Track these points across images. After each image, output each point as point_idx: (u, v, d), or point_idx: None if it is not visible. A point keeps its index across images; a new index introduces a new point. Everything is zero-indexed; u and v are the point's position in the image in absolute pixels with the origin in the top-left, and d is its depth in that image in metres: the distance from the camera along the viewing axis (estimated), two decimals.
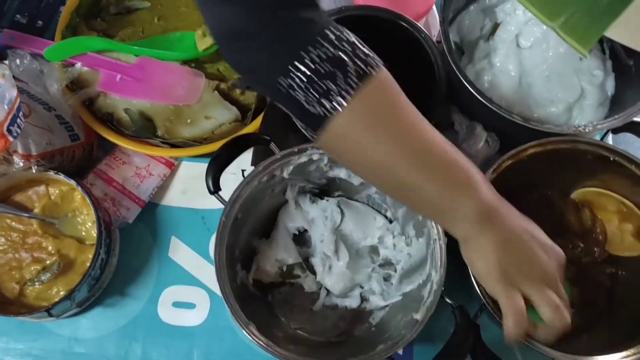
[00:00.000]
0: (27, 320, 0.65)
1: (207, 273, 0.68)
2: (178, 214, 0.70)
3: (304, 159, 0.61)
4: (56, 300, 0.61)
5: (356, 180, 0.65)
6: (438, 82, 0.65)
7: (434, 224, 0.58)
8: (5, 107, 0.59)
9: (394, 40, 0.69)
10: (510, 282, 0.46)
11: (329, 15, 0.66)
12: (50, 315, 0.61)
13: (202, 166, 0.71)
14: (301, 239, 0.69)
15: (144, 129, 0.69)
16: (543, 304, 0.46)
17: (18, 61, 0.68)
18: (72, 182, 0.63)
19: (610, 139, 0.70)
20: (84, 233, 0.66)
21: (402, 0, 0.71)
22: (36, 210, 0.65)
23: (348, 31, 0.49)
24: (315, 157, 0.61)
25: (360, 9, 0.69)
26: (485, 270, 0.48)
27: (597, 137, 0.66)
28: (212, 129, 0.70)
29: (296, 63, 0.46)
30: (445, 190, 0.48)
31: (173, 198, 0.71)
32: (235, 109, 0.71)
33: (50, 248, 0.64)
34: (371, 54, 0.49)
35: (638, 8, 0.53)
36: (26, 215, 0.64)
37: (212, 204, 0.70)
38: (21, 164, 0.62)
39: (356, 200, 0.70)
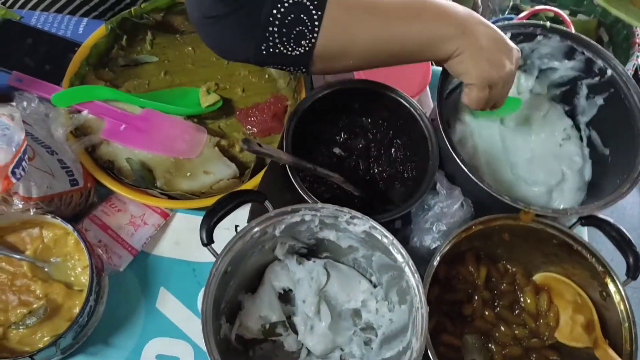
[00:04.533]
0: None
1: (193, 326, 0.68)
2: (169, 264, 0.71)
3: (296, 218, 0.64)
4: (40, 346, 0.61)
5: (344, 243, 0.68)
6: (431, 156, 0.69)
7: (417, 292, 0.60)
8: (13, 149, 0.60)
9: (392, 113, 0.74)
10: (486, 84, 0.61)
11: (324, 89, 0.71)
12: None
13: (197, 219, 0.72)
14: (285, 296, 0.71)
15: (144, 179, 0.71)
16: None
17: (25, 104, 0.70)
18: (69, 227, 0.64)
19: (584, 231, 0.75)
20: (72, 278, 0.66)
21: (399, 79, 0.75)
22: (28, 253, 0.65)
23: None
24: (307, 217, 0.64)
25: (360, 83, 0.73)
26: (471, 79, 0.61)
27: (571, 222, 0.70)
28: (210, 184, 0.72)
29: (269, 28, 0.56)
30: (428, 24, 0.59)
31: (165, 248, 0.72)
32: (234, 166, 0.74)
33: (38, 292, 0.64)
34: None
35: None
36: (17, 257, 0.64)
37: (204, 257, 0.72)
38: (20, 206, 0.62)
39: (342, 263, 0.72)
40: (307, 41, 0.57)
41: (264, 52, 0.58)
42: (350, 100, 0.74)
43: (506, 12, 1.14)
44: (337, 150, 0.76)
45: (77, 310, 0.64)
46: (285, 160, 0.65)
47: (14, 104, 0.68)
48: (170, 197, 0.71)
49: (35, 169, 0.63)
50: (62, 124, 0.70)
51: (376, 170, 0.76)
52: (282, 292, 0.70)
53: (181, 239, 0.73)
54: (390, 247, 0.62)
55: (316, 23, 0.56)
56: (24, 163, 0.61)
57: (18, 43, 0.81)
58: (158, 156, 0.72)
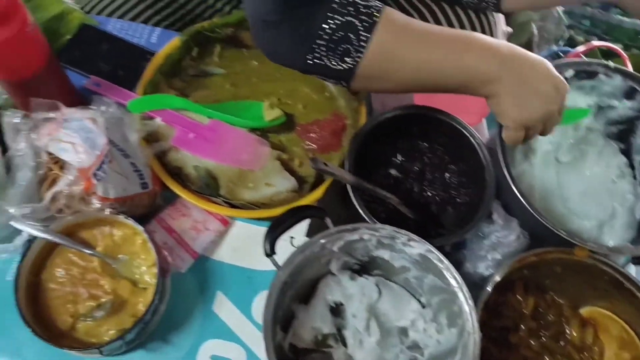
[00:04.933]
0: (70, 353, 0.68)
1: (247, 331, 0.71)
2: (226, 270, 0.74)
3: (355, 236, 0.66)
4: (106, 338, 0.65)
5: (397, 263, 0.70)
6: (488, 185, 0.71)
7: (470, 317, 0.62)
8: (97, 152, 0.64)
9: (450, 139, 0.76)
10: (522, 126, 0.62)
11: (387, 113, 0.74)
12: (101, 353, 0.64)
13: (255, 228, 0.76)
14: (336, 309, 0.73)
15: (209, 187, 0.74)
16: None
17: (103, 108, 0.73)
18: (139, 228, 0.68)
19: (632, 268, 0.76)
20: (137, 276, 0.70)
21: (459, 106, 0.78)
22: (99, 249, 0.69)
23: None
24: (365, 236, 0.67)
25: (422, 109, 0.76)
26: (507, 121, 0.63)
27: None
28: (271, 196, 0.75)
29: (317, 41, 0.60)
30: (472, 61, 0.60)
31: (224, 254, 0.75)
32: (293, 180, 0.77)
33: (106, 287, 0.68)
34: (371, 4, 0.61)
35: None
36: (89, 252, 0.68)
37: (260, 265, 0.75)
38: (97, 205, 0.66)
39: (393, 282, 0.75)
40: (351, 59, 0.61)
41: (309, 61, 0.63)
42: (410, 124, 0.76)
43: (559, 42, 1.15)
44: (393, 171, 0.78)
45: (140, 306, 0.68)
46: (347, 180, 0.68)
47: (94, 107, 0.72)
48: (232, 206, 0.75)
49: (113, 172, 0.67)
50: (136, 129, 0.73)
51: (430, 194, 0.78)
52: (334, 305, 0.72)
53: (239, 246, 0.76)
54: (445, 272, 0.64)
55: (362, 44, 0.60)
56: (104, 166, 0.65)
57: (95, 48, 0.86)
58: (223, 166, 0.76)
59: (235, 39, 0.87)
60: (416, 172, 0.78)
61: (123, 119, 0.74)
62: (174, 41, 0.83)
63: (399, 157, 0.79)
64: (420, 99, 0.80)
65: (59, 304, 0.66)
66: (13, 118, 0.67)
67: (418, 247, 0.65)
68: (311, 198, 0.74)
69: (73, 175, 0.63)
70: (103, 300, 0.67)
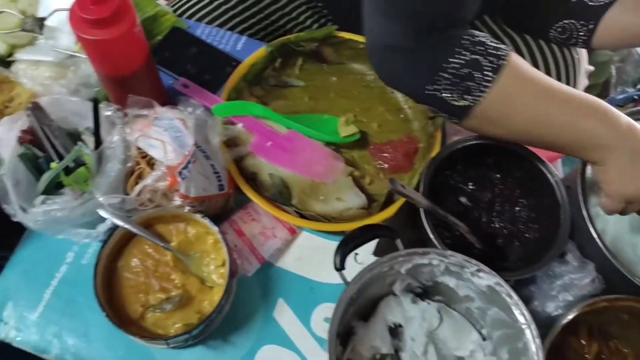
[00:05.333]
0: (136, 341, 0.70)
1: (304, 341, 0.72)
2: (289, 278, 0.76)
3: (424, 261, 0.67)
4: (172, 331, 0.67)
5: (462, 292, 0.70)
6: (562, 224, 0.70)
7: (537, 357, 0.61)
8: (185, 152, 0.67)
9: (525, 173, 0.76)
10: (624, 200, 0.63)
11: (465, 141, 0.74)
12: (167, 344, 0.66)
13: (321, 240, 0.78)
14: (394, 331, 0.73)
15: (282, 195, 0.76)
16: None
17: (190, 109, 0.76)
18: (214, 229, 0.70)
19: None
20: (205, 275, 0.72)
21: None
22: (173, 244, 0.71)
23: (478, 33, 0.62)
24: (435, 262, 0.67)
25: (497, 140, 0.75)
26: (609, 191, 0.63)
27: None
28: (341, 211, 0.77)
29: (440, 73, 0.60)
30: (591, 127, 0.60)
31: (288, 262, 0.76)
32: (364, 197, 0.78)
33: (177, 281, 0.70)
34: (500, 46, 0.61)
35: None
36: (165, 246, 0.70)
37: (322, 277, 0.76)
38: (178, 202, 0.69)
39: (454, 309, 0.74)
40: (472, 97, 0.61)
41: (427, 92, 0.63)
42: (486, 154, 0.76)
43: (638, 85, 1.13)
44: (463, 199, 0.78)
45: (206, 304, 0.70)
46: (422, 205, 0.68)
47: (181, 108, 0.75)
48: (302, 216, 0.76)
49: (196, 172, 0.70)
50: (218, 132, 0.76)
51: (497, 225, 0.78)
52: (393, 326, 0.72)
53: (303, 256, 0.77)
54: (513, 307, 0.63)
55: (486, 84, 0.60)
56: (190, 165, 0.67)
57: (183, 50, 0.89)
58: (296, 176, 0.78)
59: (317, 53, 0.89)
60: (486, 202, 0.78)
61: (207, 121, 0.77)
62: (260, 51, 0.85)
63: (470, 186, 0.79)
64: None
65: (131, 293, 0.69)
66: (110, 112, 0.70)
67: (487, 278, 0.65)
68: (381, 217, 0.75)
69: (161, 172, 0.66)
70: (173, 294, 0.69)
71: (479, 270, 0.65)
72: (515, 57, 0.62)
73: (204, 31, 0.92)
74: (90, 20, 0.62)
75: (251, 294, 0.74)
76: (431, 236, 0.68)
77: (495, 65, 0.59)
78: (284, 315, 0.74)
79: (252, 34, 0.98)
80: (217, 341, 0.72)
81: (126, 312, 0.68)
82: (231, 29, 0.96)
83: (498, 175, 0.79)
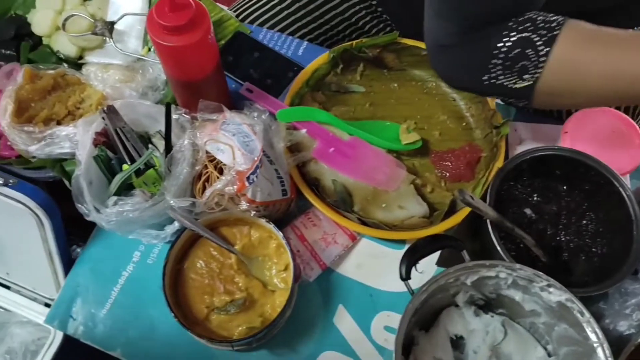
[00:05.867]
0: (200, 341, 0.72)
1: (364, 348, 0.72)
2: (349, 285, 0.76)
3: (491, 273, 0.66)
4: (235, 333, 0.68)
5: (528, 306, 0.68)
6: (635, 239, 0.68)
7: None
8: (254, 157, 0.68)
9: (594, 186, 0.74)
10: None
11: (534, 152, 0.73)
12: (232, 347, 0.67)
13: (381, 247, 0.78)
14: (455, 342, 0.73)
15: (344, 202, 0.76)
16: None
17: (255, 114, 0.77)
18: (279, 234, 0.70)
19: None
20: (267, 278, 0.72)
21: (608, 152, 0.75)
22: (237, 247, 0.72)
23: (528, 12, 0.60)
24: (502, 275, 0.66)
25: (568, 151, 0.74)
26: None
27: None
28: (403, 219, 0.76)
29: (492, 60, 0.60)
30: None
31: (348, 269, 0.77)
32: (426, 206, 0.77)
33: (240, 284, 0.71)
34: (551, 18, 0.59)
35: None
36: (231, 249, 0.71)
37: (382, 285, 0.76)
38: (244, 207, 0.69)
39: (518, 323, 0.73)
40: (530, 75, 0.59)
41: (486, 82, 0.62)
42: (553, 165, 0.75)
43: None
44: (528, 211, 0.76)
45: (268, 308, 0.70)
46: (490, 216, 0.67)
47: (247, 112, 0.75)
48: (363, 223, 0.76)
49: (262, 177, 0.70)
50: (282, 137, 0.76)
51: (563, 239, 0.76)
52: (454, 337, 0.72)
53: (363, 263, 0.77)
54: (585, 325, 0.62)
55: (542, 59, 0.58)
56: (258, 171, 0.68)
57: (246, 55, 0.91)
58: (358, 182, 0.78)
59: (378, 59, 0.88)
60: (551, 214, 0.76)
61: (271, 126, 0.78)
62: (323, 57, 0.86)
63: (535, 197, 0.77)
64: (569, 142, 0.77)
65: (196, 294, 0.70)
66: (179, 115, 0.72)
67: (557, 294, 0.63)
68: (443, 227, 0.75)
69: (230, 176, 0.66)
70: (237, 296, 0.70)
71: (549, 285, 0.64)
72: (571, 24, 0.59)
73: (265, 36, 0.93)
74: (168, 27, 0.63)
75: (312, 299, 0.75)
76: (499, 249, 0.67)
77: (547, 38, 0.57)
78: (344, 321, 0.74)
79: (312, 39, 0.99)
80: (277, 345, 0.72)
81: (192, 313, 0.69)
82: (292, 33, 0.97)
83: (564, 187, 0.77)
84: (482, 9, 0.60)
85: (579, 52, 0.58)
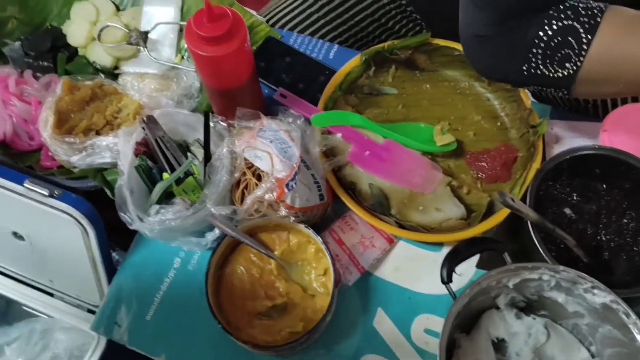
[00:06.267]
0: (242, 346, 0.72)
1: (404, 351, 0.72)
2: (388, 288, 0.76)
3: (534, 275, 0.66)
4: (278, 338, 0.68)
5: (571, 308, 0.68)
6: None
7: None
8: (293, 164, 0.68)
9: (636, 185, 0.73)
10: None
11: (573, 152, 0.72)
12: (275, 353, 0.67)
13: (418, 250, 0.78)
14: (497, 345, 0.72)
15: (381, 205, 0.76)
16: None
17: (290, 120, 0.78)
18: (317, 239, 0.71)
19: None
20: (307, 283, 0.73)
21: None
22: (276, 252, 0.73)
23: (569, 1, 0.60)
24: (545, 277, 0.65)
25: (609, 150, 0.73)
26: None
27: None
28: (440, 221, 0.76)
29: (533, 49, 0.59)
30: None
31: (386, 272, 0.77)
32: (463, 208, 0.77)
33: (281, 289, 0.71)
34: (593, 5, 0.58)
35: None
36: (269, 254, 0.72)
37: (420, 287, 0.76)
38: (284, 213, 0.70)
39: (560, 325, 0.72)
40: (572, 64, 0.59)
41: (525, 72, 0.62)
42: (592, 164, 0.74)
43: None
44: (567, 210, 0.76)
45: (309, 312, 0.71)
46: (531, 218, 0.67)
47: (282, 118, 0.76)
48: (400, 226, 0.76)
49: (300, 183, 0.71)
50: (317, 142, 0.77)
51: (604, 238, 0.75)
52: (496, 340, 0.71)
53: (400, 266, 0.77)
54: (631, 326, 0.61)
55: (584, 47, 0.57)
56: (296, 177, 0.68)
57: (278, 60, 0.91)
58: (394, 185, 0.78)
59: (410, 60, 0.88)
60: (591, 213, 0.76)
61: (306, 131, 0.78)
62: (355, 60, 0.86)
63: (575, 197, 0.76)
64: (607, 140, 0.76)
65: (238, 300, 0.71)
66: (218, 123, 0.73)
67: (602, 296, 0.63)
68: (482, 228, 0.74)
69: (270, 183, 0.67)
70: (278, 301, 0.71)
71: (593, 287, 0.63)
72: (613, 10, 0.59)
73: (296, 40, 0.94)
74: (206, 37, 0.64)
75: (351, 303, 0.75)
76: (541, 251, 0.67)
77: (589, 25, 0.57)
78: (383, 324, 0.74)
79: (342, 41, 0.99)
80: (318, 350, 0.73)
81: (234, 318, 0.70)
82: (322, 37, 0.97)
83: (604, 186, 0.76)
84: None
85: (621, 38, 0.58)
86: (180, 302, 0.76)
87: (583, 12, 0.58)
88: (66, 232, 0.73)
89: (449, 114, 0.86)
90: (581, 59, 0.58)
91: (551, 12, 0.59)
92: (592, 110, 0.88)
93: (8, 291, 0.88)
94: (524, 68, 0.62)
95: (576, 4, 0.60)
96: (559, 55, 0.59)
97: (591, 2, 0.60)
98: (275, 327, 0.70)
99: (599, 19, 0.58)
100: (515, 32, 0.61)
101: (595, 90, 0.64)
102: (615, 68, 0.59)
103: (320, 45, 0.93)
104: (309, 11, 0.96)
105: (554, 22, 0.59)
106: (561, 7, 0.59)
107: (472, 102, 0.87)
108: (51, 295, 0.87)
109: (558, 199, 0.76)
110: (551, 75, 0.61)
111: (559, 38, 0.59)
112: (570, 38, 0.58)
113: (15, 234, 0.80)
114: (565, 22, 0.58)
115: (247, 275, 0.72)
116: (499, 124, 0.85)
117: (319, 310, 0.70)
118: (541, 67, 0.61)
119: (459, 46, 0.85)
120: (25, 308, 0.89)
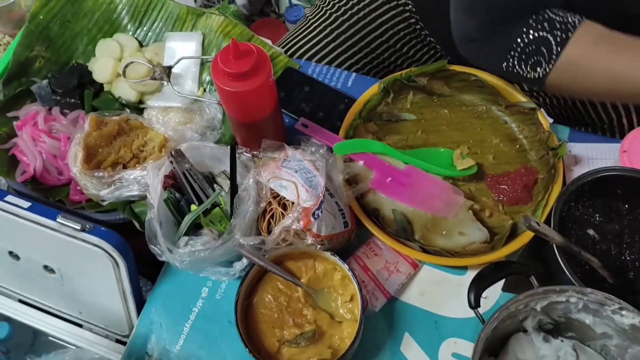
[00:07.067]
0: None
1: None
2: (414, 312, 0.76)
3: (561, 298, 0.66)
4: None
5: (599, 329, 0.68)
6: None
7: None
8: (318, 193, 0.70)
9: None
10: None
11: (595, 173, 0.73)
12: None
13: (443, 274, 0.78)
14: None
15: (405, 231, 0.77)
16: None
17: (313, 149, 0.79)
18: (344, 266, 0.72)
19: None
20: (333, 310, 0.74)
21: None
22: (303, 280, 0.74)
23: (549, 12, 0.70)
24: (572, 299, 0.66)
25: (628, 171, 0.73)
26: None
27: None
28: (464, 245, 0.77)
29: (511, 52, 0.71)
30: None
31: (411, 296, 0.77)
32: (486, 231, 0.78)
33: (309, 316, 0.72)
34: (568, 20, 0.68)
35: None
36: (296, 282, 0.73)
37: (447, 311, 0.76)
38: (310, 241, 0.71)
39: (588, 346, 0.72)
40: (542, 69, 0.70)
41: (504, 69, 0.74)
42: (614, 185, 0.75)
43: None
44: (590, 231, 0.76)
45: (336, 339, 0.72)
46: (557, 241, 0.68)
47: (304, 147, 0.78)
48: (424, 250, 0.77)
49: (325, 211, 0.72)
50: (340, 170, 0.78)
51: (628, 258, 0.75)
52: None
53: (426, 290, 0.78)
54: None
55: (554, 57, 0.68)
56: (322, 206, 0.70)
57: (297, 90, 0.93)
58: (417, 211, 0.79)
59: (427, 87, 0.90)
60: (615, 234, 0.76)
61: (328, 159, 0.80)
62: (373, 88, 0.88)
63: (597, 218, 0.77)
64: (628, 161, 0.77)
65: (266, 328, 0.72)
66: (242, 154, 0.75)
67: (630, 317, 0.63)
68: (505, 251, 0.75)
69: (297, 213, 0.69)
70: (306, 329, 0.71)
71: (621, 309, 0.63)
72: (586, 26, 0.68)
73: (315, 70, 0.96)
74: (232, 73, 0.66)
75: (377, 328, 0.76)
76: (568, 274, 0.67)
77: (561, 39, 0.66)
78: (411, 350, 0.74)
79: (359, 68, 1.01)
80: None
81: (263, 347, 0.71)
82: (339, 65, 0.99)
83: (626, 206, 0.77)
84: (505, 3, 0.69)
85: (587, 55, 0.67)
86: (209, 331, 0.77)
87: (558, 25, 0.68)
88: (97, 265, 0.75)
89: (467, 138, 0.87)
90: (550, 66, 0.68)
91: (530, 21, 0.69)
92: (609, 132, 0.89)
93: (36, 322, 0.89)
94: (504, 66, 0.74)
95: (554, 16, 0.69)
96: (532, 60, 0.70)
97: (568, 16, 0.69)
98: (304, 355, 0.71)
99: (570, 34, 0.67)
100: (498, 38, 0.71)
101: (565, 92, 0.77)
102: (578, 80, 0.69)
103: (339, 74, 0.95)
104: (325, 40, 0.99)
105: (531, 31, 0.69)
106: (540, 17, 0.68)
107: (490, 125, 0.88)
108: (80, 326, 0.88)
109: (580, 220, 0.77)
110: (525, 75, 0.72)
111: (534, 46, 0.69)
112: (543, 48, 0.68)
113: (46, 267, 0.82)
114: (540, 33, 0.68)
115: (275, 304, 0.73)
116: (517, 146, 0.86)
117: (347, 337, 0.71)
118: (517, 67, 0.72)
119: (475, 71, 0.86)
120: (52, 339, 0.91)
